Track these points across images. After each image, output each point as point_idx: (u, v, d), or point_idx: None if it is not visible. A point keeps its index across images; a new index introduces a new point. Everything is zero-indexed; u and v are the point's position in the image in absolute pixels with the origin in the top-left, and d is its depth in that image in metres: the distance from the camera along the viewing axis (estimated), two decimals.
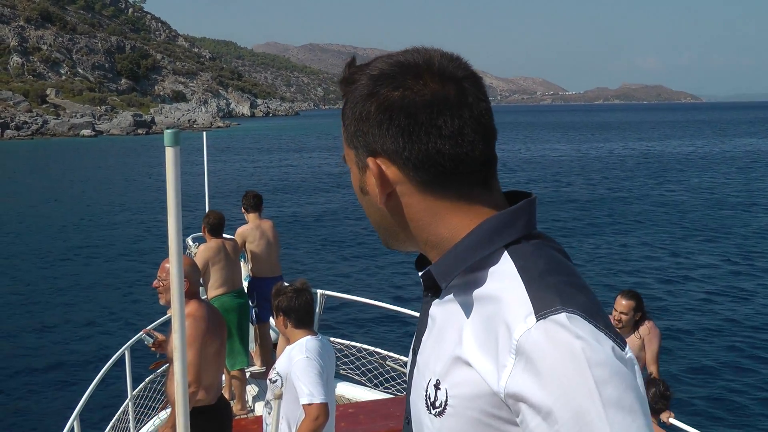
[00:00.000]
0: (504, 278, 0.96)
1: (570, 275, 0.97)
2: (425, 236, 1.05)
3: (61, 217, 24.47)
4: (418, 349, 1.11)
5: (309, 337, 3.72)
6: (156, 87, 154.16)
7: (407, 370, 1.13)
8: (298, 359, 3.58)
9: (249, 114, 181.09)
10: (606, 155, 51.71)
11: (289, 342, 3.78)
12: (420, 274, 1.10)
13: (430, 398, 1.00)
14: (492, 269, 0.98)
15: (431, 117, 0.99)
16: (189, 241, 8.73)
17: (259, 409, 6.71)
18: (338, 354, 6.88)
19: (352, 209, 26.09)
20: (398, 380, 6.85)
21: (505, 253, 0.99)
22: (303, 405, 3.52)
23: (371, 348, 7.05)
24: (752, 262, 16.53)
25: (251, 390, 7.02)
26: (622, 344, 0.91)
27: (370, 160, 1.04)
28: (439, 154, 0.99)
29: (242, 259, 7.32)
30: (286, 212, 25.21)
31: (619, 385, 0.86)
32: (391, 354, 6.97)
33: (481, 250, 0.99)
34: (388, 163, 1.03)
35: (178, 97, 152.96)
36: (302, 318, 3.73)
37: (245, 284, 7.32)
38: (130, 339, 5.85)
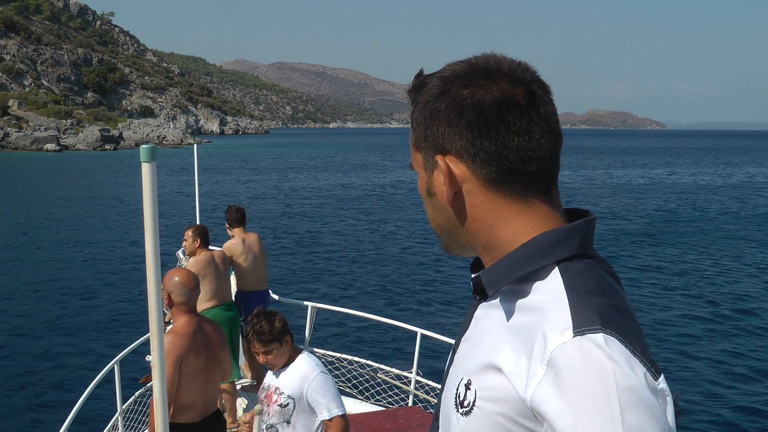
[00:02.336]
0: (550, 292, 0.98)
1: (616, 299, 0.97)
2: (484, 239, 1.07)
3: (44, 232, 24.08)
4: (458, 348, 1.13)
5: (306, 352, 3.79)
6: (123, 101, 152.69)
7: (446, 368, 1.15)
8: (315, 375, 3.62)
9: (218, 131, 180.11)
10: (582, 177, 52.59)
11: (274, 363, 3.74)
12: (472, 277, 1.13)
13: (459, 397, 1.02)
14: (540, 282, 1.00)
15: (500, 113, 1.02)
16: (180, 254, 8.68)
17: None
18: (329, 366, 6.88)
19: (341, 223, 26.12)
20: (389, 392, 6.87)
21: (556, 268, 1.00)
22: (333, 418, 3.56)
23: (362, 360, 7.06)
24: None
25: (241, 403, 6.96)
26: (656, 374, 0.91)
27: (438, 158, 1.06)
28: (507, 149, 1.02)
29: (231, 273, 7.28)
30: (274, 227, 25.20)
31: (644, 415, 0.86)
32: (382, 366, 6.99)
33: (532, 263, 1.01)
34: (456, 161, 1.05)
35: (146, 113, 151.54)
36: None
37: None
38: (120, 353, 5.86)
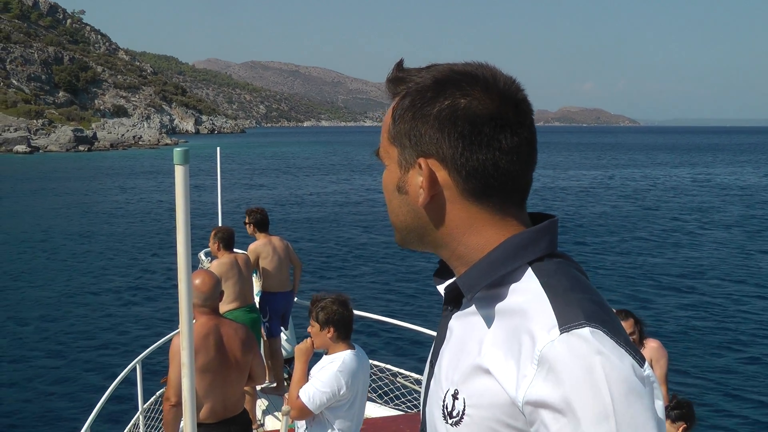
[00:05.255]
0: (528, 292, 0.99)
1: (592, 293, 0.99)
2: (455, 245, 1.08)
3: (63, 233, 23.99)
4: (436, 360, 1.12)
5: (349, 352, 3.79)
6: (96, 101, 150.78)
7: (424, 381, 1.16)
8: (329, 367, 3.69)
9: (194, 131, 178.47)
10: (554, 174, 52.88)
11: (327, 352, 3.83)
12: (443, 287, 1.13)
13: (447, 408, 1.02)
14: (516, 284, 1.01)
15: (494, 130, 1.02)
16: (202, 255, 8.65)
17: (270, 424, 6.67)
18: None
19: (360, 224, 25.94)
20: (409, 396, 6.88)
21: (529, 269, 1.02)
22: (298, 396, 3.65)
23: (382, 364, 7.07)
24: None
25: (261, 405, 6.96)
26: (641, 361, 0.93)
27: (421, 161, 1.05)
28: (494, 167, 1.02)
29: (254, 274, 7.27)
30: (293, 228, 25.11)
31: (635, 403, 0.88)
32: (402, 371, 7.00)
33: (506, 265, 1.02)
34: (438, 167, 1.04)
35: (120, 112, 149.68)
36: (342, 332, 3.80)
37: (257, 299, 7.27)
38: (142, 352, 5.89)
